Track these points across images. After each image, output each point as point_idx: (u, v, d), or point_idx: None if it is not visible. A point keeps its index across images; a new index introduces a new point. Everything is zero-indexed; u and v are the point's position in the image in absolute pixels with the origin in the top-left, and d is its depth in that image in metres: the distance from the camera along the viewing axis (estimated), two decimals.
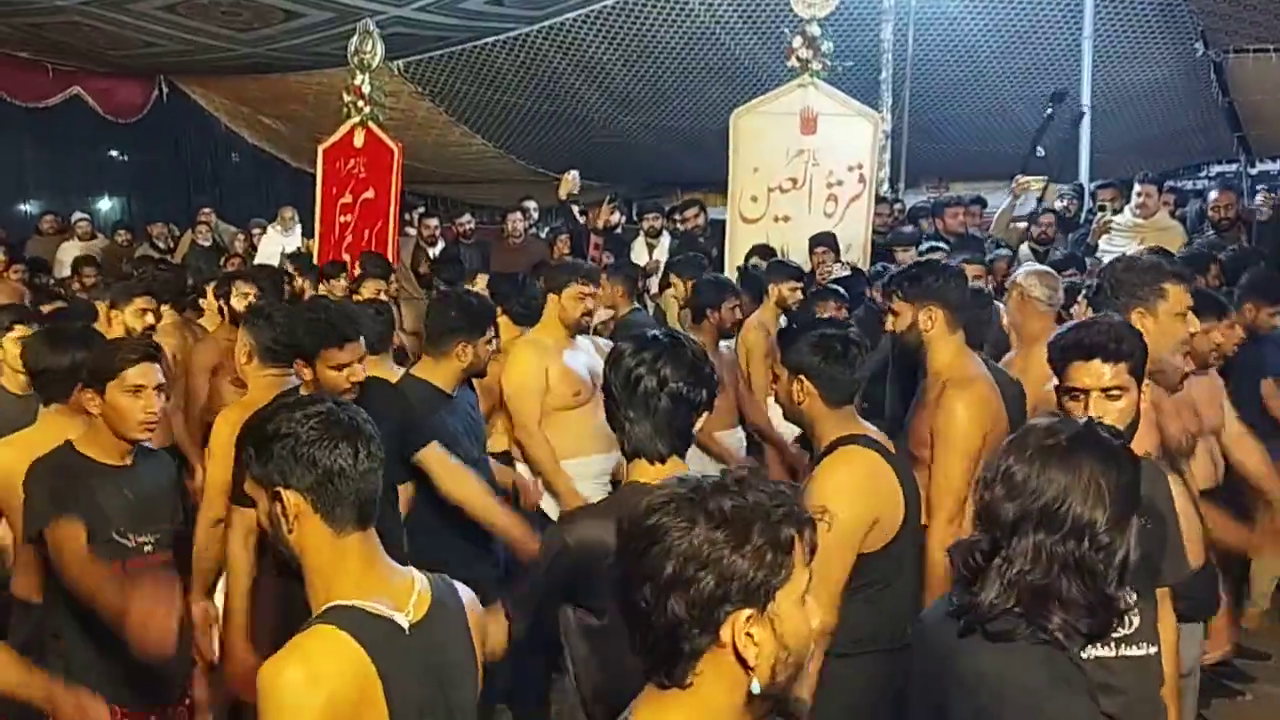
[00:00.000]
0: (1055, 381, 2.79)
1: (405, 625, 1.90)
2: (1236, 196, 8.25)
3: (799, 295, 5.72)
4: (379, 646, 1.84)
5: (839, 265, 6.90)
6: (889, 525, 2.88)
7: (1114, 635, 2.61)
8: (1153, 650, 2.68)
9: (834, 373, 2.89)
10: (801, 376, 2.91)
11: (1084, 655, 2.53)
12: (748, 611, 1.43)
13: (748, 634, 1.43)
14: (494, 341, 4.04)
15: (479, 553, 3.86)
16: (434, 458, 3.68)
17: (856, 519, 2.79)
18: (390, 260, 8.40)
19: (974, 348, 3.65)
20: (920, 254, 7.19)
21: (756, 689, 1.44)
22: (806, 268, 6.80)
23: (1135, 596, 2.65)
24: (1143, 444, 2.91)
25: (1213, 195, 8.03)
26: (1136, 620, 2.64)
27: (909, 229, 7.75)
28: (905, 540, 2.94)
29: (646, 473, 2.37)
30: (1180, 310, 3.14)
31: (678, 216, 9.27)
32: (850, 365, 2.90)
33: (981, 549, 2.01)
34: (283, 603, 2.81)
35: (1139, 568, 2.59)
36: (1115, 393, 2.64)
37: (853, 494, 2.80)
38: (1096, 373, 2.64)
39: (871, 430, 2.97)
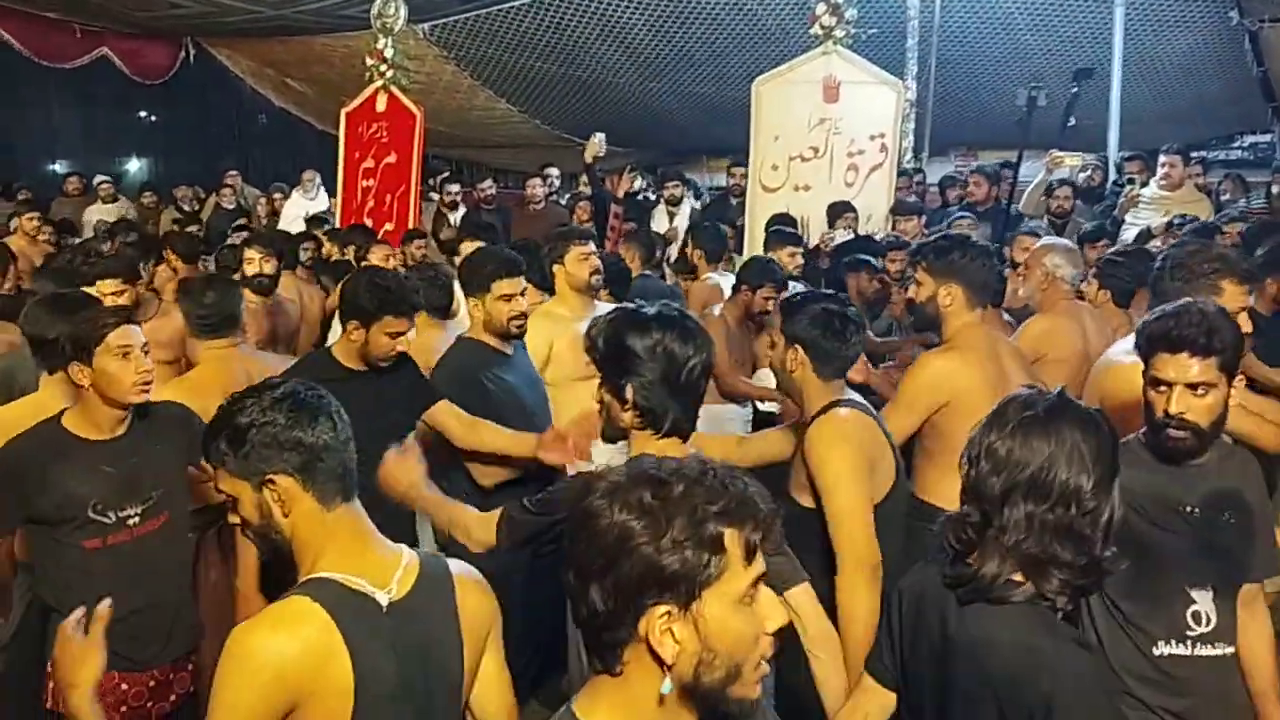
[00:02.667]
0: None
1: (384, 602, 1.91)
2: None
3: (798, 261, 5.71)
4: (352, 621, 1.86)
5: (843, 232, 6.85)
6: (884, 478, 2.95)
7: (1189, 634, 2.61)
8: (1229, 650, 2.65)
9: (830, 347, 2.95)
10: (798, 346, 2.97)
11: (1155, 652, 2.58)
12: (665, 607, 1.39)
13: (667, 630, 1.40)
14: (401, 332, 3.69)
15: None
16: (445, 411, 3.74)
17: (857, 468, 2.86)
18: (412, 225, 8.43)
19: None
20: (949, 225, 7.17)
21: (666, 689, 1.41)
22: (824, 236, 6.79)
23: (1212, 594, 2.63)
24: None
25: None
26: (1214, 618, 2.62)
27: (912, 199, 7.67)
28: (895, 502, 3.00)
29: (653, 445, 2.39)
30: (1235, 309, 3.00)
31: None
32: (846, 342, 2.95)
33: (972, 522, 2.04)
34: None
35: (1217, 563, 2.60)
36: (1201, 390, 2.51)
37: (845, 443, 2.88)
38: (1183, 366, 2.51)
39: (857, 398, 3.01)
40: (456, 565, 2.08)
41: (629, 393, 2.36)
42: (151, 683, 3.04)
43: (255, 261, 5.49)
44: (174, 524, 3.11)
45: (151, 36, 12.80)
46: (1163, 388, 2.55)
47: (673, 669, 1.41)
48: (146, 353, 2.99)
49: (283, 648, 1.80)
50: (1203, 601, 2.62)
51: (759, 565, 1.43)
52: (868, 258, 5.59)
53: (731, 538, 1.40)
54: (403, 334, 3.56)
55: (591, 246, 4.62)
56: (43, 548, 3.00)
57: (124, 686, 2.97)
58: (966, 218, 7.13)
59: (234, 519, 2.00)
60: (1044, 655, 1.91)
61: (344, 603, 1.87)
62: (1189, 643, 2.60)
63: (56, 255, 6.86)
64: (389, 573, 1.95)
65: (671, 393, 2.35)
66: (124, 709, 2.97)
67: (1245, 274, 3.19)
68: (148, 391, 3.00)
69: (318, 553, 1.92)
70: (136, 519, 3.00)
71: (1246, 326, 3.07)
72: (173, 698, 3.10)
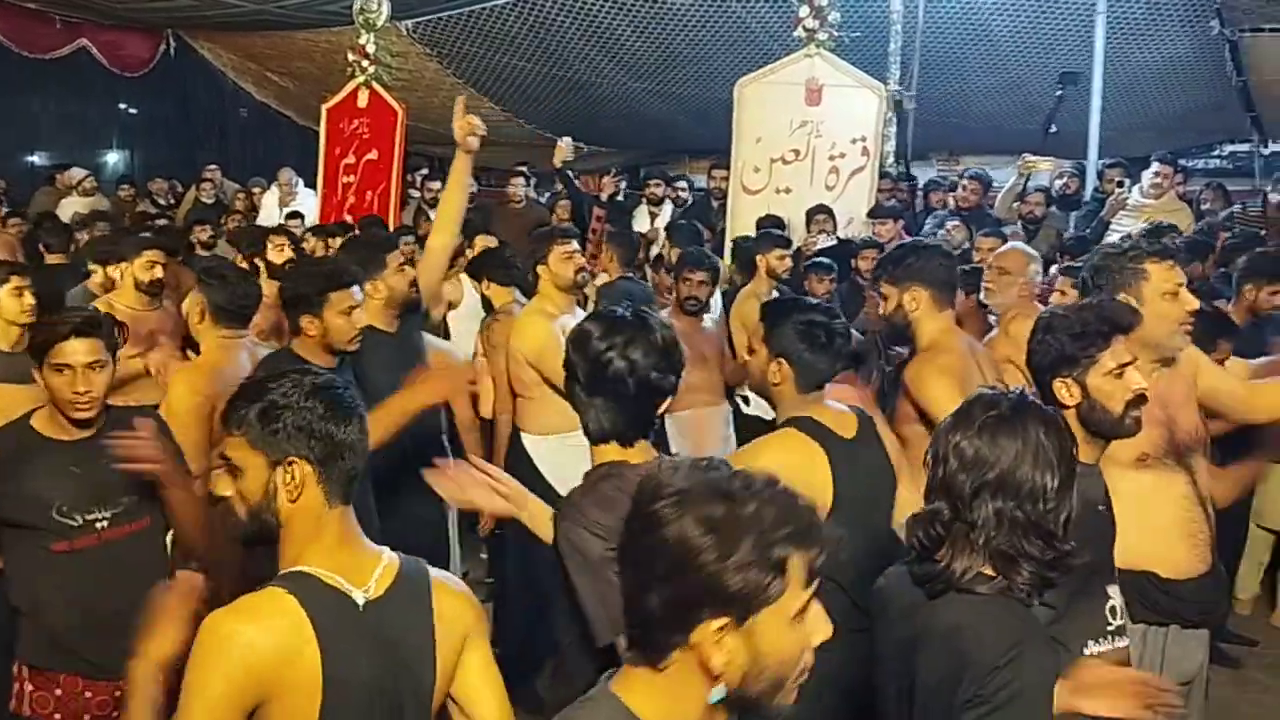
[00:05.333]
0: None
1: (360, 602, 1.91)
2: None
3: (787, 264, 5.70)
4: (326, 617, 1.85)
5: (822, 236, 6.85)
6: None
7: (1109, 629, 2.66)
8: (1128, 640, 2.72)
9: (814, 360, 2.88)
10: (782, 359, 2.90)
11: (1086, 653, 2.59)
12: (722, 620, 1.40)
13: (718, 643, 1.40)
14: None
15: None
16: None
17: None
18: (391, 222, 8.39)
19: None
20: (934, 229, 7.18)
21: (715, 698, 1.43)
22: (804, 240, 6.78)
23: (1119, 590, 2.69)
24: (1144, 437, 2.87)
25: None
26: (1120, 610, 2.68)
27: (891, 202, 7.68)
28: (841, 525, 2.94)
29: (617, 454, 2.37)
30: (1169, 289, 3.04)
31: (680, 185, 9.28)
32: (832, 356, 2.90)
33: (942, 519, 2.07)
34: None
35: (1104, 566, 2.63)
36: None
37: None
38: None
39: (830, 414, 2.91)
40: (438, 572, 2.08)
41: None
42: (118, 693, 2.92)
43: (285, 248, 5.54)
44: (147, 531, 3.03)
45: (132, 29, 12.71)
46: (1120, 371, 2.60)
47: (723, 677, 1.42)
48: (97, 369, 2.86)
49: (254, 638, 1.80)
50: (1115, 596, 2.68)
51: (814, 586, 1.45)
52: (824, 260, 5.61)
53: (795, 561, 1.41)
54: (355, 307, 3.56)
55: (574, 245, 4.61)
56: (11, 548, 2.95)
57: (88, 694, 2.91)
58: (954, 221, 7.18)
59: (223, 490, 1.97)
60: (1021, 646, 1.96)
61: (320, 599, 1.87)
62: (1109, 638, 2.65)
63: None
64: (368, 573, 1.95)
65: (613, 398, 2.35)
66: (87, 717, 2.91)
67: (1163, 251, 3.10)
68: (86, 412, 2.87)
69: (302, 547, 1.92)
70: (105, 523, 2.92)
71: (1192, 302, 3.07)
72: None
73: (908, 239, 7.06)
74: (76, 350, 2.83)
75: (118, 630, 2.89)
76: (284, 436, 1.90)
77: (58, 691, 2.90)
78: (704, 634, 1.40)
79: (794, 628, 1.43)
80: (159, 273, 4.92)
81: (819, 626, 1.47)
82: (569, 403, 2.44)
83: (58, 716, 2.90)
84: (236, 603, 1.86)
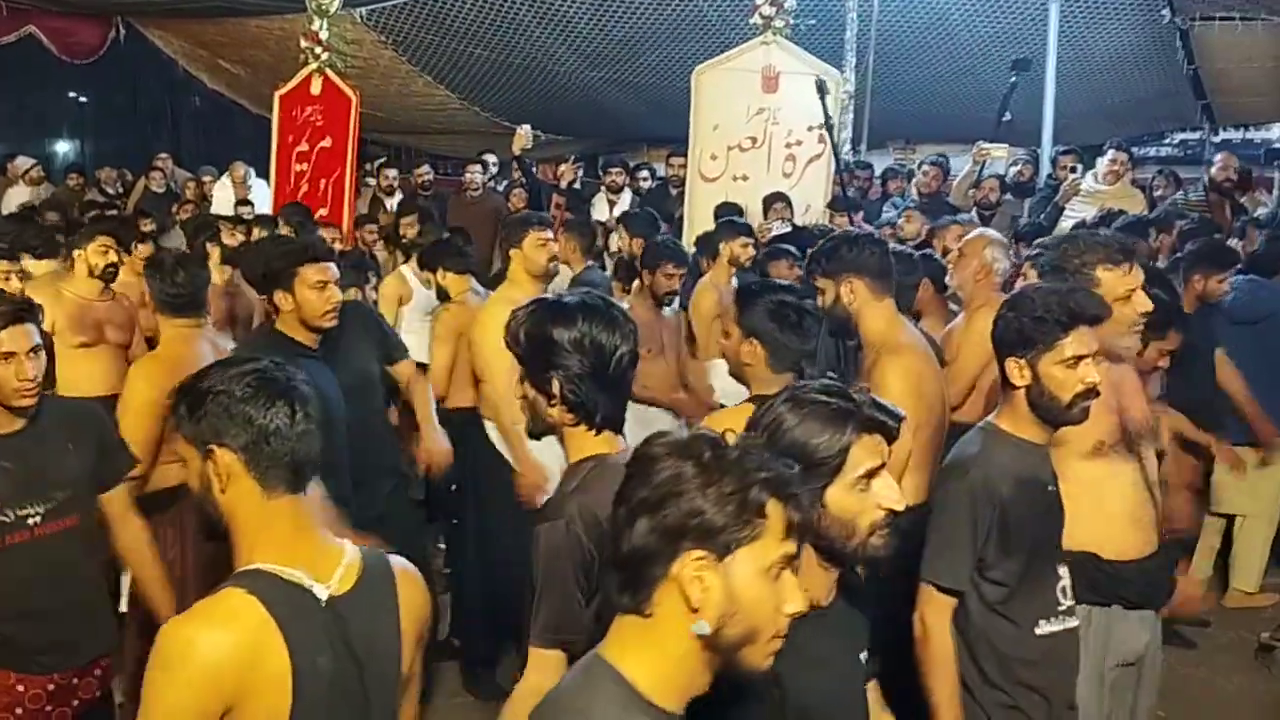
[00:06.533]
0: None
1: (323, 596, 1.86)
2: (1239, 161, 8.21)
3: (750, 252, 5.68)
4: (289, 615, 1.80)
5: (779, 224, 6.84)
6: None
7: (1059, 608, 2.71)
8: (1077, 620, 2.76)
9: (785, 340, 2.92)
10: (753, 339, 2.93)
11: (1038, 632, 2.65)
12: (700, 552, 1.46)
13: (698, 575, 1.46)
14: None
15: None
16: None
17: None
18: (346, 210, 8.33)
19: (902, 312, 3.62)
20: (895, 218, 7.20)
21: (703, 630, 1.46)
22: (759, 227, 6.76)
23: (1066, 568, 2.72)
24: (1100, 426, 2.92)
25: (1219, 157, 7.98)
26: (1070, 589, 2.74)
27: (851, 192, 7.68)
28: None
29: (598, 445, 2.28)
30: (1121, 294, 3.02)
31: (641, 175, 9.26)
32: (803, 335, 2.93)
33: None
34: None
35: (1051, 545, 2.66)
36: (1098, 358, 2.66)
37: None
38: (1090, 338, 2.64)
39: None
40: (397, 561, 2.03)
41: (555, 387, 2.23)
42: (51, 686, 2.91)
43: (236, 234, 5.53)
44: (81, 527, 2.97)
45: (80, 15, 12.48)
46: (1076, 361, 2.60)
47: (701, 612, 1.47)
48: (36, 355, 2.82)
49: (217, 643, 1.74)
50: (1065, 576, 2.73)
51: (792, 546, 1.51)
52: (787, 247, 5.59)
53: (774, 508, 1.48)
54: (327, 282, 3.57)
55: (549, 233, 4.59)
56: None
57: (19, 688, 2.86)
58: (911, 208, 7.20)
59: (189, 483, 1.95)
60: None
61: (281, 596, 1.82)
62: (1059, 617, 2.70)
63: None
64: (331, 567, 1.90)
65: (600, 385, 2.23)
66: (19, 710, 2.85)
67: (1116, 257, 3.07)
68: (28, 399, 2.82)
69: (253, 541, 1.87)
70: (38, 519, 2.86)
71: (1145, 305, 3.07)
72: (75, 703, 2.96)
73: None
74: (17, 337, 2.79)
75: (51, 625, 2.88)
76: (206, 425, 1.86)
77: None
78: (684, 564, 1.46)
79: (767, 580, 1.48)
80: (112, 257, 4.91)
81: (793, 595, 1.51)
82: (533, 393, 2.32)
83: None
84: (194, 608, 1.81)
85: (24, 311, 2.88)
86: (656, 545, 1.48)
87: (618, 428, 2.32)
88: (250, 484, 1.86)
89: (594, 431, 2.27)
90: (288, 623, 1.79)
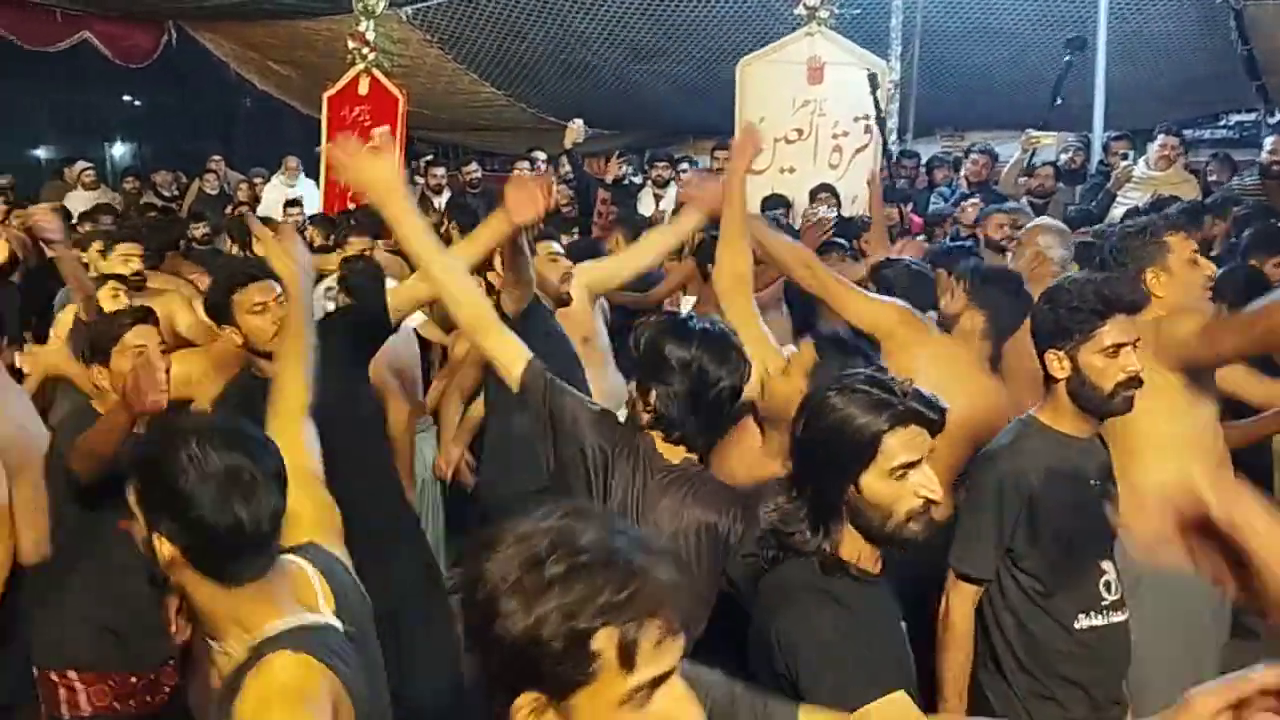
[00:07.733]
0: None
1: (341, 626, 1.79)
2: None
3: None
4: (332, 656, 1.72)
5: (825, 208, 6.81)
6: None
7: (1103, 603, 2.70)
8: (1127, 615, 2.75)
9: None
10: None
11: (1077, 626, 2.65)
12: (535, 693, 1.26)
13: (532, 714, 1.27)
14: None
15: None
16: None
17: None
18: None
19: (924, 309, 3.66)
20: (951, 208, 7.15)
21: None
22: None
23: (1113, 562, 2.71)
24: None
25: (1269, 141, 7.81)
26: (1117, 585, 2.72)
27: (901, 183, 7.63)
28: None
29: (660, 444, 2.52)
30: (1189, 257, 3.24)
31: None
32: None
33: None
34: None
35: (1111, 531, 2.65)
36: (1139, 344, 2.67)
37: None
38: (1130, 326, 2.66)
39: None
40: (332, 561, 1.95)
41: (651, 397, 2.46)
42: (154, 676, 3.14)
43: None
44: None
45: (133, 20, 12.69)
46: (1116, 350, 2.60)
47: None
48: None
49: (318, 707, 1.62)
50: (1110, 571, 2.71)
51: (650, 668, 1.24)
52: (838, 239, 5.57)
53: (605, 638, 1.22)
54: (265, 303, 3.22)
55: (556, 246, 4.47)
56: None
57: (133, 680, 3.07)
58: (972, 198, 7.13)
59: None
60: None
61: (319, 641, 1.72)
62: (1104, 612, 2.69)
63: None
64: (313, 594, 1.81)
65: (694, 409, 2.44)
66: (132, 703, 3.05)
67: (1177, 224, 3.35)
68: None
69: (229, 622, 1.72)
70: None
71: (1209, 267, 3.32)
72: (167, 690, 3.13)
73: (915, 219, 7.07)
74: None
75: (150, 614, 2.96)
76: (149, 505, 1.70)
77: None
78: (521, 703, 1.27)
79: (628, 714, 1.24)
80: (136, 265, 5.00)
81: (678, 713, 1.27)
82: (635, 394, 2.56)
83: None
84: (265, 697, 1.60)
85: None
86: (495, 679, 1.29)
87: (696, 448, 2.52)
88: (197, 578, 1.70)
89: (670, 442, 2.50)
90: (334, 663, 1.71)
